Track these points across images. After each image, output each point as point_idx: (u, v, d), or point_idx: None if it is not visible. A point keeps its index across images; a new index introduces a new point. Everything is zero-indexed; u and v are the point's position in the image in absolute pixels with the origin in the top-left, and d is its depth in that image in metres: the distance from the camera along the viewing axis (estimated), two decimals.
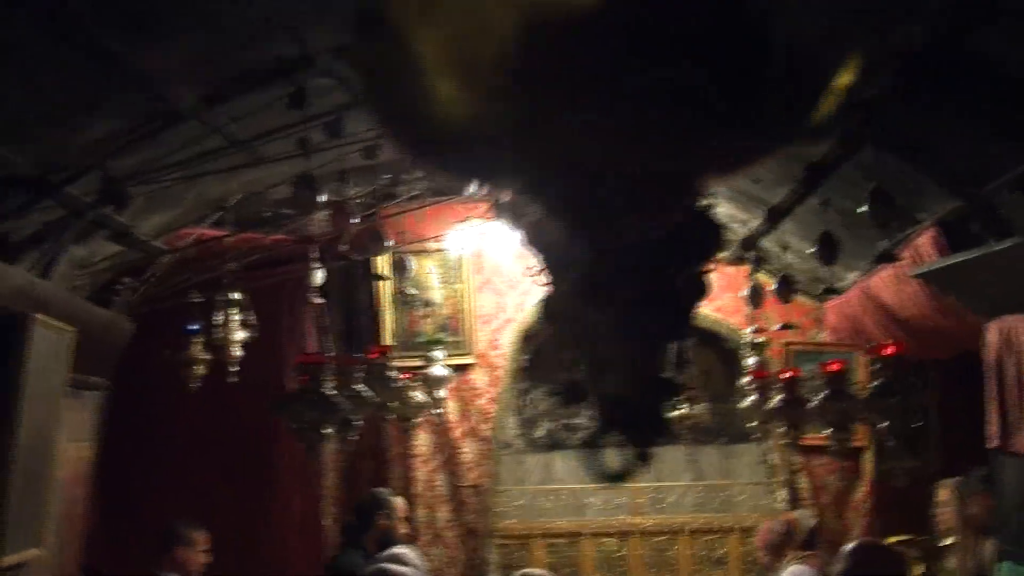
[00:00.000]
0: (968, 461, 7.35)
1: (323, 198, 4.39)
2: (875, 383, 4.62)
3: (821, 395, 4.84)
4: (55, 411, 5.27)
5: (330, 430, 4.83)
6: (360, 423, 5.24)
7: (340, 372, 5.05)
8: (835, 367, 4.76)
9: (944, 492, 7.51)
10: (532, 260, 6.77)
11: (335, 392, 4.78)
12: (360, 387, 5.18)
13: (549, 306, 2.38)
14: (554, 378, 4.00)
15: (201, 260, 6.83)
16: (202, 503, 7.69)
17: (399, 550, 6.45)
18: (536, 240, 1.97)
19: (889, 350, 4.54)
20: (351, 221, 4.80)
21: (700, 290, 1.74)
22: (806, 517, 7.08)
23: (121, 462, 7.57)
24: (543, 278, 2.01)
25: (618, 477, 2.46)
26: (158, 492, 7.94)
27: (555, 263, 1.95)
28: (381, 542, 6.99)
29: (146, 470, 7.97)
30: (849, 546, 4.69)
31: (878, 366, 4.65)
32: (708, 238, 1.81)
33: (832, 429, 4.86)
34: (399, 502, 7.26)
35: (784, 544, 6.74)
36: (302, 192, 4.26)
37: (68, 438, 5.73)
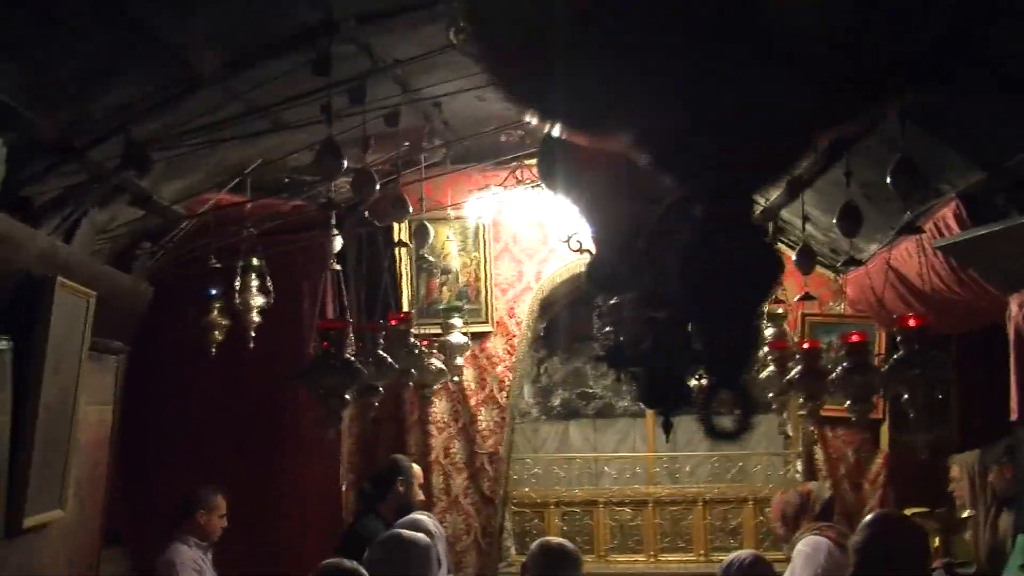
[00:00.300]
0: (986, 435, 7.37)
1: (346, 164, 4.38)
2: (897, 355, 4.61)
3: (842, 367, 4.84)
4: (77, 375, 5.29)
5: (351, 396, 4.85)
6: (381, 390, 5.26)
7: (361, 338, 5.06)
8: (856, 338, 4.75)
9: (956, 468, 7.54)
10: (552, 228, 6.80)
11: (357, 358, 4.79)
12: (381, 353, 5.19)
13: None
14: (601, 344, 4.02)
15: (220, 226, 6.84)
16: (220, 469, 7.73)
17: (417, 516, 6.48)
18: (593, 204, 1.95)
19: (912, 322, 4.53)
20: (374, 187, 4.79)
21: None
22: (822, 488, 7.07)
23: (140, 427, 7.61)
24: (583, 244, 2.01)
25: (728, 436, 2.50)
26: (176, 457, 7.99)
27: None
28: (398, 509, 7.01)
29: (164, 435, 8.01)
30: (869, 517, 4.70)
31: (899, 338, 4.64)
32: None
33: (852, 401, 4.86)
34: (416, 469, 7.29)
35: (799, 515, 6.73)
36: (327, 158, 4.26)
37: (89, 402, 5.75)
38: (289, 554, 7.90)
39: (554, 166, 2.48)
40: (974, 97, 4.21)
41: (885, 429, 8.12)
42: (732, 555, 5.39)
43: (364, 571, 4.53)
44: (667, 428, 3.84)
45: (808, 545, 6.40)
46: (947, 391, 4.60)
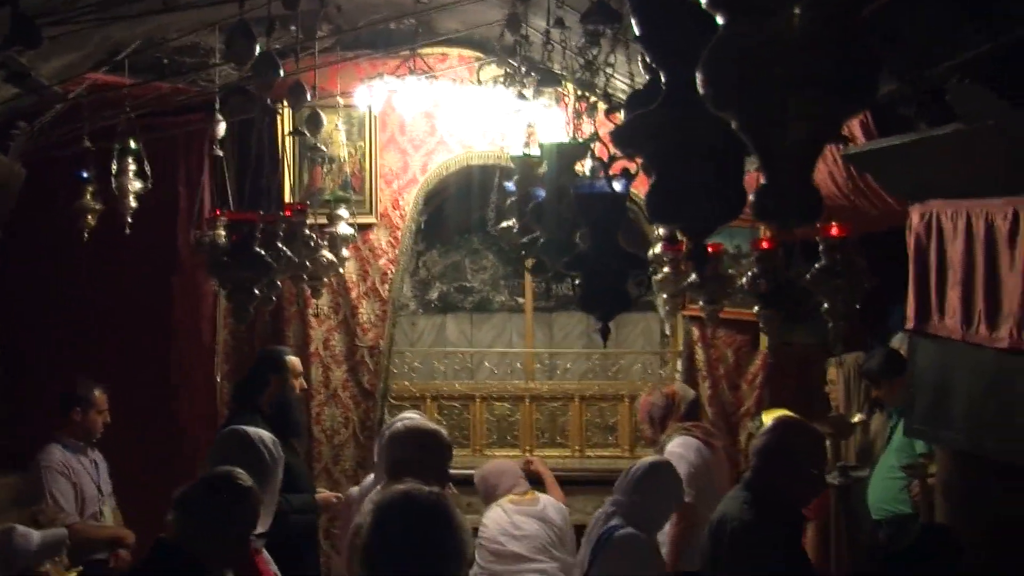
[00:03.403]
0: (863, 340, 7.56)
1: (258, 48, 4.16)
2: (819, 264, 4.64)
3: (751, 273, 4.85)
4: None
5: (259, 290, 4.70)
6: (280, 284, 5.10)
7: (264, 231, 4.88)
8: (767, 245, 4.76)
9: (833, 371, 7.73)
10: (440, 120, 6.62)
11: (264, 251, 4.63)
12: (281, 246, 5.02)
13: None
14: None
15: (98, 108, 6.55)
16: (93, 360, 7.51)
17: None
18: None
19: (835, 231, 4.55)
20: (278, 72, 4.57)
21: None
22: (686, 389, 7.18)
23: (11, 317, 7.34)
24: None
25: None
26: (50, 348, 7.74)
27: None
28: (276, 403, 6.88)
29: (37, 325, 7.74)
30: (770, 422, 4.77)
31: (821, 247, 4.66)
32: None
33: (761, 307, 4.88)
34: (294, 361, 7.14)
35: (666, 416, 6.84)
36: (238, 41, 4.04)
37: None
38: (169, 448, 7.76)
39: None
40: (890, 4, 4.18)
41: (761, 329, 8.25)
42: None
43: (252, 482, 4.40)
44: (605, 334, 3.82)
45: (678, 445, 6.51)
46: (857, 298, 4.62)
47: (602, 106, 4.30)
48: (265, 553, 5.02)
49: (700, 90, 1.73)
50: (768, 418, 7.33)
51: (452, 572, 3.33)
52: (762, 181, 1.67)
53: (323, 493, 7.05)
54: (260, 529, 4.62)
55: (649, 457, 5.93)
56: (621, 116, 3.14)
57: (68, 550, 5.61)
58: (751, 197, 1.76)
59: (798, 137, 1.61)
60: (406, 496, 3.42)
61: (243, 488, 4.23)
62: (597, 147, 4.08)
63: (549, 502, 6.69)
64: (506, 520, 6.47)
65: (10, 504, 7.30)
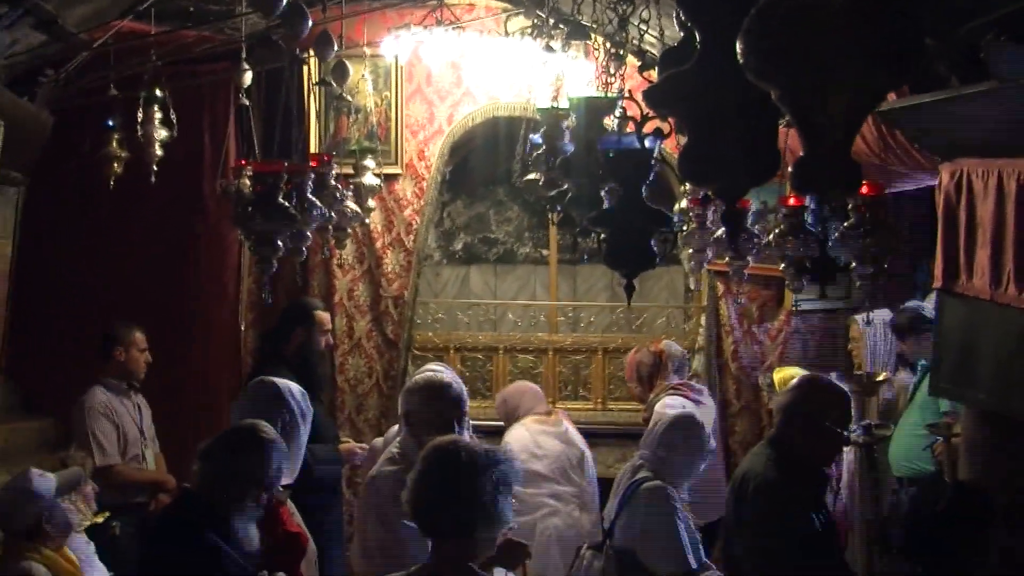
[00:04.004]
0: (887, 298, 7.52)
1: None
2: (847, 223, 4.60)
3: (778, 230, 4.81)
4: None
5: (283, 243, 4.71)
6: (309, 235, 5.09)
7: (291, 181, 4.87)
8: (795, 202, 4.72)
9: (855, 328, 7.71)
10: (466, 71, 6.56)
11: (289, 203, 4.62)
12: (311, 197, 5.00)
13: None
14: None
15: (124, 56, 6.54)
16: (120, 306, 7.54)
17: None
18: None
19: (866, 189, 4.51)
20: (307, 23, 4.55)
21: None
22: (674, 347, 7.15)
23: (36, 264, 7.37)
24: None
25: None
26: (75, 295, 7.77)
27: None
28: (302, 354, 6.89)
29: (63, 271, 7.78)
30: (796, 380, 4.76)
31: (850, 205, 4.62)
32: None
33: (786, 265, 4.85)
34: (323, 315, 7.14)
35: (654, 374, 6.84)
36: None
37: None
38: (192, 397, 7.80)
39: None
40: None
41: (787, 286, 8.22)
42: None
43: (276, 435, 4.43)
44: (630, 292, 3.81)
45: (667, 406, 6.51)
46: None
47: (631, 60, 4.27)
48: (289, 504, 5.04)
49: (740, 59, 1.70)
50: (778, 376, 7.36)
51: (494, 524, 3.38)
52: (801, 152, 1.65)
53: (347, 443, 7.07)
54: (285, 481, 4.65)
55: (673, 412, 5.95)
56: (655, 74, 3.11)
57: (102, 492, 5.63)
58: (790, 168, 1.75)
59: (839, 109, 1.59)
60: (452, 447, 3.46)
61: (266, 441, 4.27)
62: (625, 102, 4.05)
63: (571, 426, 6.72)
64: (529, 439, 6.51)
65: (38, 448, 7.39)
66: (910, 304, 7.26)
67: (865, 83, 1.62)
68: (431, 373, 5.25)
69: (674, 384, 6.75)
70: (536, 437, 6.53)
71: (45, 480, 5.07)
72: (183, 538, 4.10)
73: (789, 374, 7.37)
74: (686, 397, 6.66)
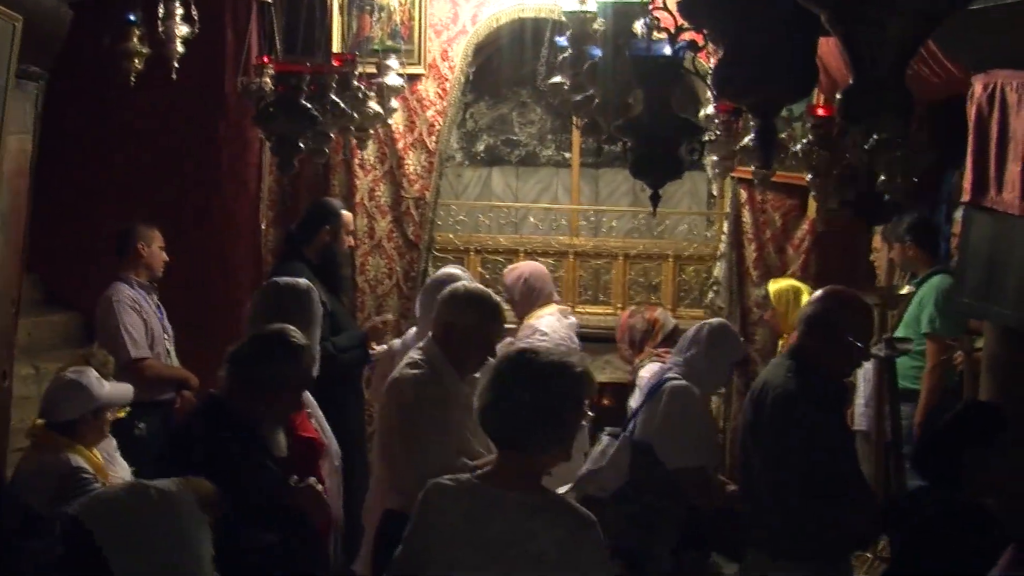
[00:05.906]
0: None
1: None
2: (879, 136, 4.52)
3: (807, 139, 4.74)
4: (3, 103, 4.98)
5: (303, 144, 4.67)
6: (333, 136, 5.04)
7: (314, 82, 4.81)
8: (824, 112, 4.64)
9: (878, 238, 7.65)
10: None
11: (313, 103, 4.57)
12: (334, 98, 4.94)
13: None
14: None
15: None
16: (141, 203, 7.54)
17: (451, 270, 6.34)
18: None
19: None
20: None
21: None
22: (667, 317, 7.11)
23: (57, 159, 7.34)
24: None
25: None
26: (96, 191, 7.76)
27: None
28: (323, 254, 6.91)
29: (83, 167, 7.77)
30: (820, 292, 4.72)
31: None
32: None
33: (813, 175, 4.79)
34: (347, 215, 7.13)
35: (644, 340, 6.82)
36: None
37: (9, 131, 5.45)
38: (214, 295, 7.82)
39: None
40: None
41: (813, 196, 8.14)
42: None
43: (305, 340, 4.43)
44: (655, 201, 3.78)
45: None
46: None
47: None
48: (308, 399, 5.02)
49: None
50: (773, 287, 7.34)
51: (564, 440, 3.38)
52: (850, 80, 1.60)
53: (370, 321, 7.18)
54: None
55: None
56: None
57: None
58: (838, 95, 1.70)
59: (895, 35, 1.53)
60: (524, 355, 3.44)
61: (297, 346, 4.25)
62: (658, 12, 3.97)
63: None
64: (565, 335, 6.67)
65: (62, 343, 7.45)
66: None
67: (923, 7, 1.56)
68: (466, 284, 5.24)
69: (658, 351, 6.74)
70: (570, 332, 6.64)
71: (100, 384, 5.11)
72: (214, 444, 4.07)
73: (784, 285, 7.38)
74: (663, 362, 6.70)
